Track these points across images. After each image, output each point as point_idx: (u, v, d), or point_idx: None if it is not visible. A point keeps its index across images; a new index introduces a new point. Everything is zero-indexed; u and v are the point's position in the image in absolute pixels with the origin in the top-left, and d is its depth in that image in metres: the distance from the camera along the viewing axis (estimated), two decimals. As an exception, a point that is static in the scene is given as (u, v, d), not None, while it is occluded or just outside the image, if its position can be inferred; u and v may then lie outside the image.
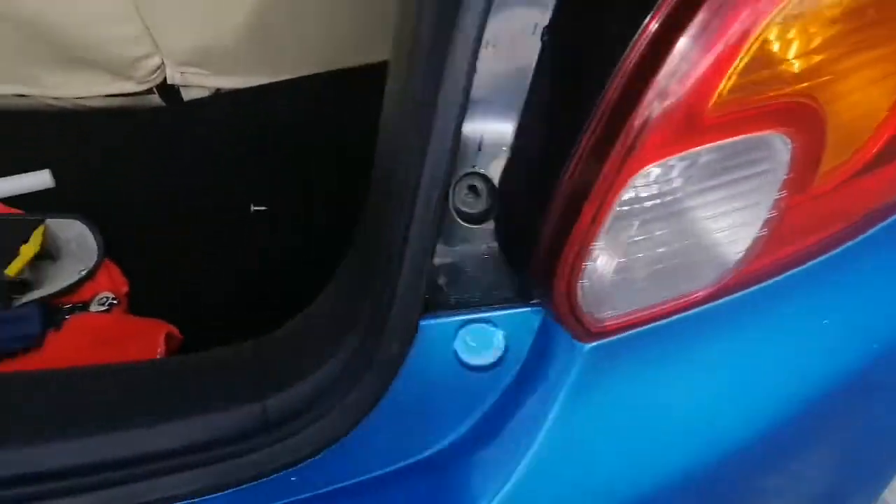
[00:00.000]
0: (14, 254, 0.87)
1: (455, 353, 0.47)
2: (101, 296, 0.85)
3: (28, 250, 0.86)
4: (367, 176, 0.52)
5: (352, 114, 1.09)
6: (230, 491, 0.47)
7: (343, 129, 1.09)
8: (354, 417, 0.45)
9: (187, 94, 1.19)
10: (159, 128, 1.14)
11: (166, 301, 0.91)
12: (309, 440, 0.46)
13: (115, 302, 0.85)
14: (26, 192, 1.00)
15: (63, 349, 0.81)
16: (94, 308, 0.84)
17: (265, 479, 0.47)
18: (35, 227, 0.89)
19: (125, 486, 0.46)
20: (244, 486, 0.47)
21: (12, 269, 0.83)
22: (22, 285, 0.85)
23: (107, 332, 0.82)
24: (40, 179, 0.99)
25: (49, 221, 0.90)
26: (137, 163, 1.09)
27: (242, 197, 1.03)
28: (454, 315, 0.46)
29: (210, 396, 0.48)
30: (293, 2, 1.01)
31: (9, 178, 0.99)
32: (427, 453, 0.49)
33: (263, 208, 1.00)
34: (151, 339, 0.78)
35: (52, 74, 1.10)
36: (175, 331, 0.82)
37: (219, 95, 1.17)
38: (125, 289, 0.88)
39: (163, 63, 1.11)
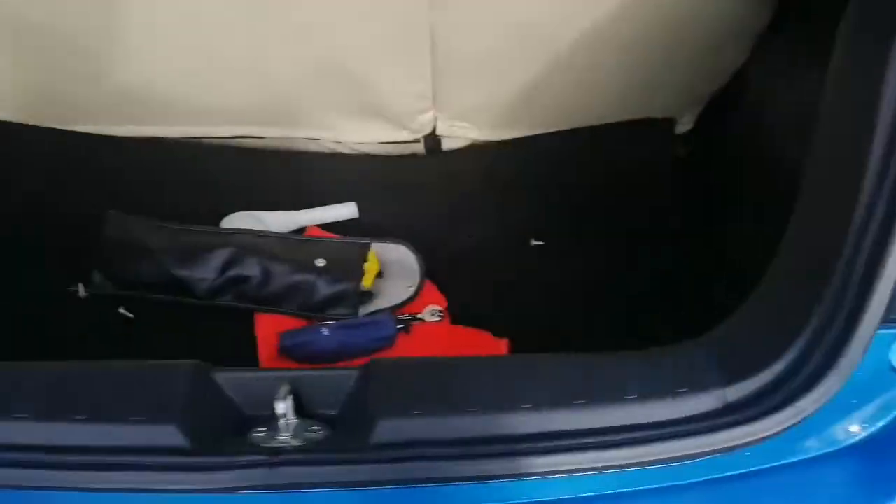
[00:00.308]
0: (352, 269, 1.04)
1: (889, 362, 0.60)
2: (431, 308, 1.01)
3: (373, 267, 1.02)
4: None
5: (599, 165, 1.25)
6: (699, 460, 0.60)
7: (598, 174, 1.24)
8: (813, 408, 0.58)
9: (446, 144, 1.36)
10: (422, 171, 1.31)
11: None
12: (767, 425, 0.59)
13: (442, 314, 1.01)
14: (335, 220, 1.18)
15: (412, 350, 0.96)
16: (428, 318, 1.00)
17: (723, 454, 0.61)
18: (364, 250, 1.06)
19: (627, 448, 0.59)
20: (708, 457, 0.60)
21: (367, 282, 1.00)
22: (368, 296, 1.02)
23: (447, 338, 0.97)
24: (348, 210, 1.17)
25: (374, 245, 1.07)
26: (413, 200, 1.25)
27: (517, 232, 1.18)
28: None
29: (677, 381, 0.62)
30: (571, 68, 1.17)
31: (322, 209, 1.17)
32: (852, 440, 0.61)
33: (541, 243, 1.15)
34: (493, 347, 0.92)
35: (347, 122, 1.28)
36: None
37: (475, 145, 1.34)
38: (445, 304, 1.03)
39: (436, 117, 1.29)
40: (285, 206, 1.18)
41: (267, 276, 0.99)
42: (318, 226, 1.16)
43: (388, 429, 0.56)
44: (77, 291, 1.00)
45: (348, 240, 1.08)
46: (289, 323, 1.00)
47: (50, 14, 1.07)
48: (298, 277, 1.00)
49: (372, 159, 1.33)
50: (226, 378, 0.62)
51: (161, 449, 0.56)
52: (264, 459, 0.54)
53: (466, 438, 0.57)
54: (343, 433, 0.59)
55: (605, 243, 1.13)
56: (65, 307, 1.00)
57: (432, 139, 1.35)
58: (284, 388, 0.60)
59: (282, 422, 0.59)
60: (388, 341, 0.95)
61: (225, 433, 0.60)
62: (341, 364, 0.93)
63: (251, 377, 0.64)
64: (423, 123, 1.29)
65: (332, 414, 0.63)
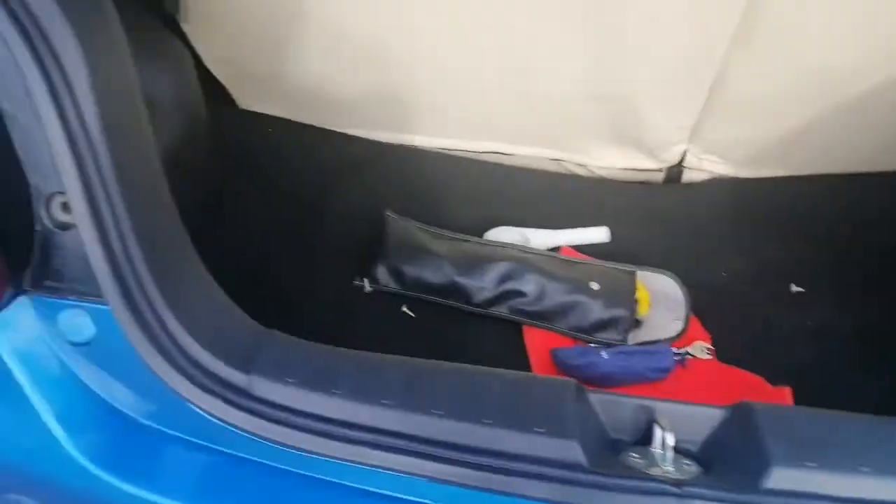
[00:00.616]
0: (625, 295, 1.06)
1: None
2: (699, 344, 1.02)
3: (644, 295, 1.04)
4: None
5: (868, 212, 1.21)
6: None
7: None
8: None
9: (686, 176, 1.37)
10: (663, 200, 1.32)
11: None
12: None
13: (710, 351, 1.01)
14: (588, 243, 1.21)
15: (686, 386, 0.98)
16: (698, 354, 1.01)
17: None
18: (632, 277, 1.08)
19: None
20: None
21: (643, 310, 1.02)
22: (636, 323, 1.04)
23: (721, 377, 0.97)
24: (601, 234, 1.19)
25: (639, 273, 1.09)
26: (657, 229, 1.26)
27: (773, 275, 1.17)
28: None
29: None
30: (857, 112, 1.14)
31: (578, 230, 1.20)
32: None
33: (801, 290, 1.13)
34: (776, 395, 0.92)
35: (599, 146, 1.31)
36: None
37: (718, 179, 1.34)
38: (710, 340, 1.04)
39: (687, 149, 1.29)
40: (532, 224, 1.23)
41: (542, 292, 1.03)
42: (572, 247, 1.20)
43: (784, 476, 0.57)
44: (363, 286, 1.07)
45: (615, 265, 1.10)
46: (558, 340, 1.04)
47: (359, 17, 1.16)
48: (573, 298, 1.03)
49: (611, 184, 1.36)
50: (598, 399, 0.66)
51: (562, 463, 0.60)
52: (671, 489, 0.57)
53: (859, 499, 0.58)
54: (721, 472, 0.61)
55: (877, 294, 1.10)
56: (350, 299, 1.08)
57: (675, 170, 1.36)
58: (666, 419, 0.62)
59: (658, 451, 0.62)
60: (664, 373, 0.96)
61: (602, 454, 0.63)
62: (620, 390, 0.95)
63: (619, 401, 0.66)
64: (673, 154, 1.30)
65: (691, 448, 0.65)
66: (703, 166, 1.30)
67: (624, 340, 1.02)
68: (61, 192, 0.60)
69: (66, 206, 0.60)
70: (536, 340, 1.03)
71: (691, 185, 1.32)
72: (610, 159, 1.30)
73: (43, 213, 0.62)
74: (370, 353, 0.71)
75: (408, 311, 1.06)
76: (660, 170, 1.33)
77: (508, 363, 1.02)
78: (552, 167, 1.35)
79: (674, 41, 1.05)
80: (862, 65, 1.03)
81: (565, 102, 1.18)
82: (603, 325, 1.02)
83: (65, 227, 0.61)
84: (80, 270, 0.62)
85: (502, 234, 1.16)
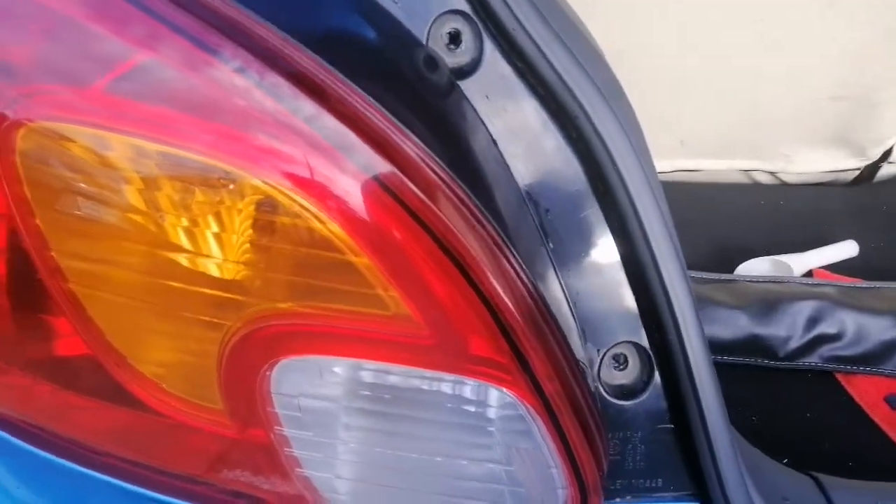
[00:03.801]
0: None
1: None
2: None
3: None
4: None
5: None
6: None
7: None
8: None
9: (882, 172, 1.24)
10: (866, 201, 1.19)
11: None
12: None
13: None
14: (838, 260, 1.05)
15: None
16: None
17: None
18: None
19: None
20: None
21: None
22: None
23: None
24: (850, 249, 1.04)
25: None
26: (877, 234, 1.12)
27: None
28: None
29: None
30: None
31: (828, 248, 1.04)
32: None
33: None
34: None
35: (799, 152, 1.17)
36: None
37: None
38: None
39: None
40: (762, 246, 1.06)
41: (861, 331, 0.87)
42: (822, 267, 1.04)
43: None
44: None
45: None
46: (887, 385, 0.87)
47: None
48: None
49: (817, 189, 1.22)
50: None
51: None
52: None
53: None
54: None
55: None
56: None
57: (871, 167, 1.23)
58: None
59: None
60: None
61: None
62: None
63: None
64: (881, 150, 1.18)
65: None
66: (904, 161, 1.19)
67: (961, 371, 0.87)
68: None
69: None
70: (867, 390, 0.86)
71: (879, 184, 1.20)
72: (814, 163, 1.16)
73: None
74: None
75: (706, 379, 0.86)
76: (858, 169, 1.20)
77: (847, 424, 0.86)
78: (741, 179, 1.20)
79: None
80: None
81: (795, 103, 1.04)
82: (938, 358, 0.87)
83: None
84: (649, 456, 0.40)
85: (756, 267, 0.99)
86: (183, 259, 0.36)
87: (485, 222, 0.37)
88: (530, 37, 0.42)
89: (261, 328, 0.35)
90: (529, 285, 0.38)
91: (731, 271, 0.98)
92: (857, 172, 1.21)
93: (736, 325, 0.86)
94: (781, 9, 0.93)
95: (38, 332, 0.39)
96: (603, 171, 0.45)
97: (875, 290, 0.92)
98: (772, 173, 1.21)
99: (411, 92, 0.42)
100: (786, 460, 0.65)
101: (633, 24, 0.94)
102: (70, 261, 0.36)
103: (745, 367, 0.87)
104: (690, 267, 0.94)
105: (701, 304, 0.87)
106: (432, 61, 0.43)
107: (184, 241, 0.36)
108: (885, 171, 1.22)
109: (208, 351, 0.36)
